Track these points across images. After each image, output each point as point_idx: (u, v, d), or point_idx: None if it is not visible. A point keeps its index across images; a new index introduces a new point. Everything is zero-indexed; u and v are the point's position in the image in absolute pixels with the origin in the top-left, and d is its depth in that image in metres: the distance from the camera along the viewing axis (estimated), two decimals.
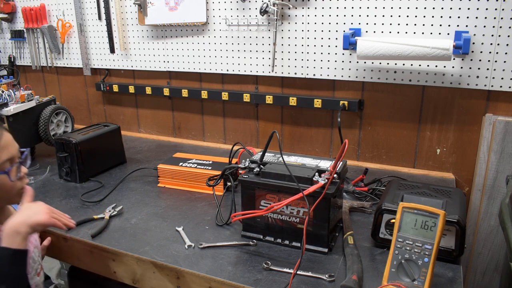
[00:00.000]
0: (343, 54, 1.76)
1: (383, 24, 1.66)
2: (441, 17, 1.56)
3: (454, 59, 1.59)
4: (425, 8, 1.57)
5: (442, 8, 1.55)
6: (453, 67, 1.60)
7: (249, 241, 1.26)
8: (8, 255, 1.00)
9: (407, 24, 1.62)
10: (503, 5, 1.47)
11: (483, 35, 1.52)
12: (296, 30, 1.81)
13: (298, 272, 1.10)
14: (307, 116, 1.93)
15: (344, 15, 1.71)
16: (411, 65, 1.66)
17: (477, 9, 1.50)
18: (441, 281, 1.07)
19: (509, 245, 1.13)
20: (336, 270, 1.12)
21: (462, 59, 1.58)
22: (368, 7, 1.66)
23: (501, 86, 1.55)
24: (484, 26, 1.51)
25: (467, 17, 1.52)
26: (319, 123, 1.92)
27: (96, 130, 1.84)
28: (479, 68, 1.56)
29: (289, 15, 1.80)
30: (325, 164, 1.28)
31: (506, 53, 1.51)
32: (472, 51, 1.55)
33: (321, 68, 1.81)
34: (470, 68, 1.58)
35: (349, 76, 1.77)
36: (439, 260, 1.14)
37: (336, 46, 1.76)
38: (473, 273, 1.71)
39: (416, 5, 1.58)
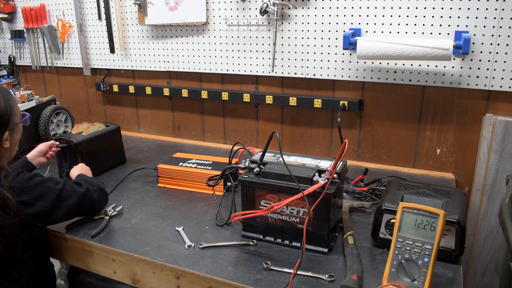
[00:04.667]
0: (343, 54, 1.76)
1: (383, 24, 1.66)
2: (441, 17, 1.56)
3: (454, 59, 1.59)
4: (425, 8, 1.57)
5: (442, 8, 1.55)
6: (453, 67, 1.60)
7: (249, 241, 1.26)
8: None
9: (407, 24, 1.62)
10: (503, 5, 1.47)
11: (483, 35, 1.52)
12: (296, 30, 1.81)
13: (298, 272, 1.10)
14: (307, 116, 1.93)
15: (344, 15, 1.71)
16: (411, 65, 1.66)
17: (477, 9, 1.50)
18: (441, 281, 1.07)
19: (509, 245, 1.13)
20: (336, 270, 1.12)
21: (462, 59, 1.58)
22: (368, 7, 1.66)
23: (501, 86, 1.55)
24: (484, 26, 1.51)
25: (467, 17, 1.52)
26: (319, 123, 1.92)
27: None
28: (479, 68, 1.56)
29: (289, 15, 1.80)
30: (325, 164, 1.28)
31: (506, 53, 1.51)
32: (472, 51, 1.55)
33: (321, 68, 1.81)
34: (470, 68, 1.58)
35: (349, 76, 1.77)
36: (439, 260, 1.14)
37: (336, 46, 1.76)
38: (473, 273, 1.71)
39: (416, 5, 1.58)
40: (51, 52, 2.47)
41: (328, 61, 1.79)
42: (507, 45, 1.50)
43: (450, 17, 1.55)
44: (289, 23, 1.81)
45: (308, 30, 1.79)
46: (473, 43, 1.54)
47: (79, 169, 1.55)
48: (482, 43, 1.53)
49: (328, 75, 1.81)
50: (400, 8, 1.61)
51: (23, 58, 2.61)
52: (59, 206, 1.23)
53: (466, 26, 1.53)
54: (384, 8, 1.63)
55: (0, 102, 1.19)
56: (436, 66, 1.62)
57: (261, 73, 1.95)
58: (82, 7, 2.29)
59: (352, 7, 1.69)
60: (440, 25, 1.57)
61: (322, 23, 1.76)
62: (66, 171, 1.72)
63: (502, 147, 1.56)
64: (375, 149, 1.85)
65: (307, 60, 1.83)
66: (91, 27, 2.32)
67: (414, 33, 1.61)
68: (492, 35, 1.51)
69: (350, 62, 1.75)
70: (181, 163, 1.69)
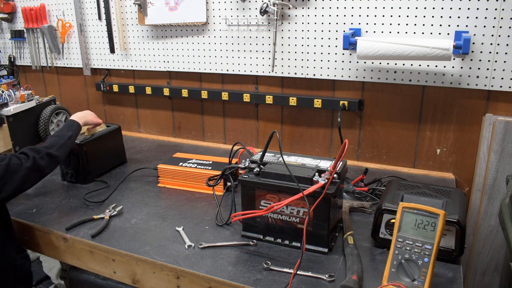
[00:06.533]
0: (343, 54, 1.76)
1: (383, 24, 1.66)
2: (441, 17, 1.56)
3: (454, 59, 1.59)
4: (425, 8, 1.57)
5: (442, 8, 1.55)
6: (453, 67, 1.60)
7: (249, 241, 1.26)
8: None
9: (407, 24, 1.62)
10: (503, 5, 1.47)
11: (483, 35, 1.52)
12: (296, 30, 1.81)
13: (298, 272, 1.10)
14: (307, 116, 1.93)
15: (344, 15, 1.71)
16: (411, 65, 1.66)
17: (477, 9, 1.50)
18: (441, 281, 1.07)
19: (509, 245, 1.13)
20: (336, 270, 1.12)
21: (462, 59, 1.58)
22: (368, 7, 1.66)
23: (501, 86, 1.55)
24: (484, 26, 1.51)
25: (467, 17, 1.52)
26: (319, 123, 1.92)
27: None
28: (479, 68, 1.56)
29: (289, 15, 1.80)
30: (325, 164, 1.28)
31: (506, 53, 1.51)
32: (472, 51, 1.55)
33: (321, 68, 1.81)
34: (470, 68, 1.58)
35: (349, 76, 1.77)
36: (439, 260, 1.14)
37: (336, 46, 1.76)
38: (473, 273, 1.71)
39: (416, 5, 1.58)
40: (51, 52, 2.47)
41: (328, 61, 1.79)
42: (507, 45, 1.50)
43: (450, 17, 1.55)
44: (289, 23, 1.81)
45: (308, 30, 1.79)
46: (473, 43, 1.54)
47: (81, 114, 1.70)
48: (482, 43, 1.53)
49: (328, 75, 1.81)
50: (400, 8, 1.61)
51: (23, 58, 2.61)
52: (8, 180, 1.28)
53: (466, 26, 1.53)
54: (384, 8, 1.63)
55: None
56: (436, 66, 1.62)
57: (261, 73, 1.95)
58: (82, 7, 2.29)
59: (352, 7, 1.69)
60: (440, 25, 1.57)
61: (322, 23, 1.76)
62: (71, 173, 1.71)
63: (502, 147, 1.56)
64: (375, 149, 1.85)
65: (307, 60, 1.83)
66: (91, 27, 2.32)
67: (414, 33, 1.61)
68: (492, 35, 1.51)
69: (350, 62, 1.75)
70: (181, 163, 1.69)
